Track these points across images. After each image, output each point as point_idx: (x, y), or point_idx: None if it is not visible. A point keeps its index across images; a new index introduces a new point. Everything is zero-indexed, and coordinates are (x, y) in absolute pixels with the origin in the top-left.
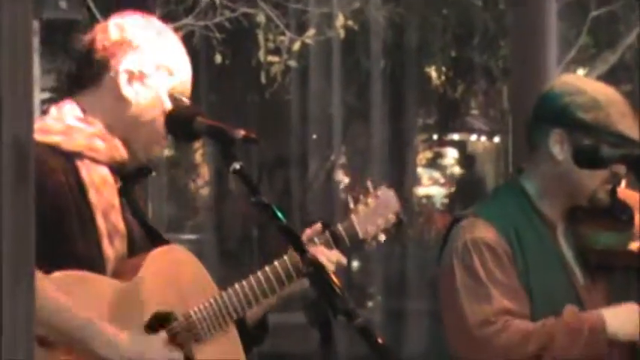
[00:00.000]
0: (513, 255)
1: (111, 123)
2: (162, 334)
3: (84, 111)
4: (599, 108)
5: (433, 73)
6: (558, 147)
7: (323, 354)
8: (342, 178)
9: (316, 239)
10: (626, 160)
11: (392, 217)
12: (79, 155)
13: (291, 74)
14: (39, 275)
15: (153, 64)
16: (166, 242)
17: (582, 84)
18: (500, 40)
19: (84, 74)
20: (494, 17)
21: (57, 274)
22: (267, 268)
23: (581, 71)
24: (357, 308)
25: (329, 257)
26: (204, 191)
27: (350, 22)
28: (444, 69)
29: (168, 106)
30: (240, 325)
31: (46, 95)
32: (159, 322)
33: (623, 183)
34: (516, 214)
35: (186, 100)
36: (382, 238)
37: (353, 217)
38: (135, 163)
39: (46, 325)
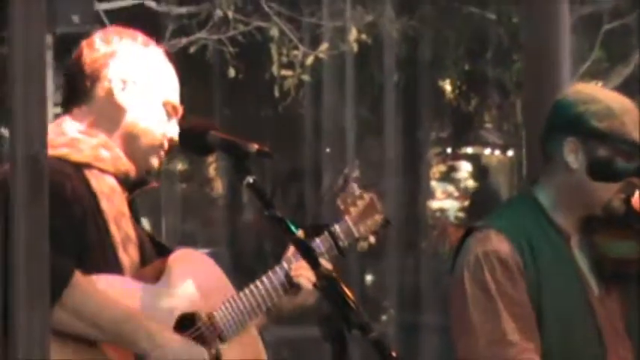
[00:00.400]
0: (525, 266)
1: (109, 134)
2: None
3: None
4: (614, 116)
5: (447, 87)
6: (573, 156)
7: None
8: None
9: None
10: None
11: (378, 218)
12: (87, 166)
13: (304, 88)
14: (79, 275)
15: (144, 73)
16: (170, 251)
17: (596, 93)
18: (514, 54)
19: (77, 89)
20: (508, 31)
21: (89, 276)
22: (277, 267)
23: (594, 84)
24: (371, 322)
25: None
26: (218, 205)
27: (363, 36)
28: (457, 83)
29: (163, 116)
30: None
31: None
32: (185, 322)
33: (638, 192)
34: (530, 225)
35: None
36: (372, 240)
37: (347, 218)
38: (135, 176)
39: (95, 325)
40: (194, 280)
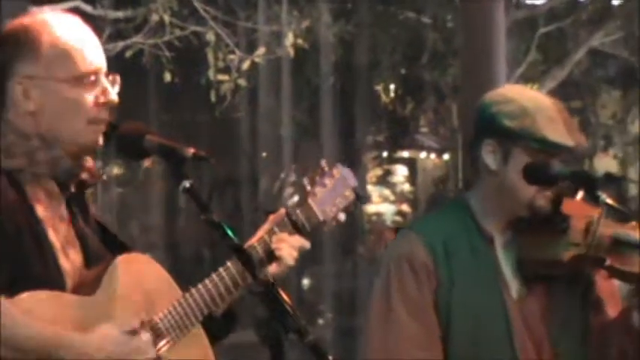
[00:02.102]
0: (436, 268)
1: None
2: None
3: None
4: (525, 115)
5: (383, 91)
6: (491, 157)
7: None
8: (293, 196)
9: (276, 228)
10: (575, 177)
11: (350, 195)
12: (20, 171)
13: (241, 93)
14: (4, 301)
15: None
16: (128, 249)
17: (513, 93)
18: (450, 58)
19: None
20: (444, 35)
21: (21, 295)
22: (221, 269)
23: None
24: (308, 326)
25: (292, 244)
26: (155, 210)
27: (300, 41)
28: (393, 87)
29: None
30: (207, 317)
31: None
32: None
33: (580, 194)
34: (451, 229)
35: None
36: (342, 217)
37: (310, 200)
38: (78, 168)
39: (14, 348)
40: (136, 286)
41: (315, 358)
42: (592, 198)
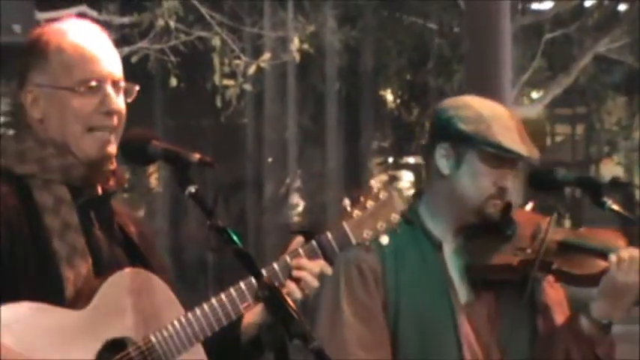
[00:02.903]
0: (385, 274)
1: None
2: None
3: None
4: (481, 121)
5: (388, 97)
6: (444, 161)
7: None
8: (298, 202)
9: (301, 250)
10: (580, 183)
11: (395, 218)
12: (32, 176)
13: (246, 98)
14: None
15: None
16: (146, 264)
17: (471, 101)
18: (455, 64)
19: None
20: (450, 41)
21: (10, 306)
22: (231, 289)
23: (535, 94)
24: (313, 332)
25: (312, 270)
26: (159, 215)
27: (305, 46)
28: (399, 92)
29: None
30: (234, 341)
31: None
32: (113, 349)
33: (530, 205)
34: (402, 235)
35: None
36: (385, 240)
37: (345, 223)
38: (96, 174)
39: None
40: (134, 302)
41: None
42: (597, 204)
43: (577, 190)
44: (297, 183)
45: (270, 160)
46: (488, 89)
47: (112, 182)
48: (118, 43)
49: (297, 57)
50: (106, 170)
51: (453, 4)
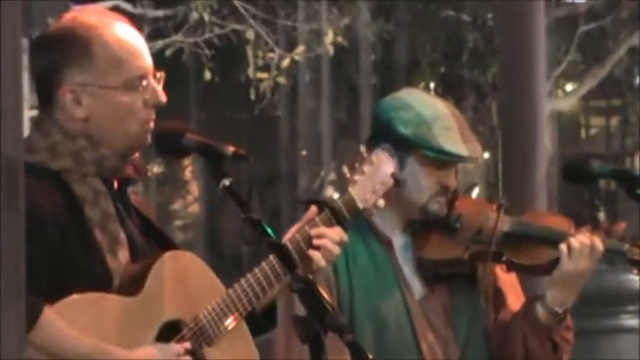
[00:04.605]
0: (337, 277)
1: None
2: (172, 345)
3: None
4: (422, 123)
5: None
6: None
7: None
8: (332, 194)
9: (317, 219)
10: (615, 175)
11: (389, 180)
12: (68, 171)
13: (280, 91)
14: (46, 314)
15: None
16: (173, 245)
17: (411, 99)
18: (489, 57)
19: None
20: (484, 34)
21: (63, 301)
22: (264, 263)
23: (569, 86)
24: (348, 324)
25: (332, 238)
26: (194, 208)
27: (339, 39)
28: (433, 85)
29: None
30: (248, 314)
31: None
32: (169, 331)
33: (475, 192)
34: (351, 236)
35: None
36: (381, 203)
37: (350, 189)
38: (125, 165)
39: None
40: (180, 284)
41: (354, 356)
42: (632, 196)
43: (612, 183)
44: (332, 176)
45: (304, 152)
46: (522, 82)
47: (129, 170)
48: (152, 36)
49: (331, 50)
50: (131, 160)
51: None
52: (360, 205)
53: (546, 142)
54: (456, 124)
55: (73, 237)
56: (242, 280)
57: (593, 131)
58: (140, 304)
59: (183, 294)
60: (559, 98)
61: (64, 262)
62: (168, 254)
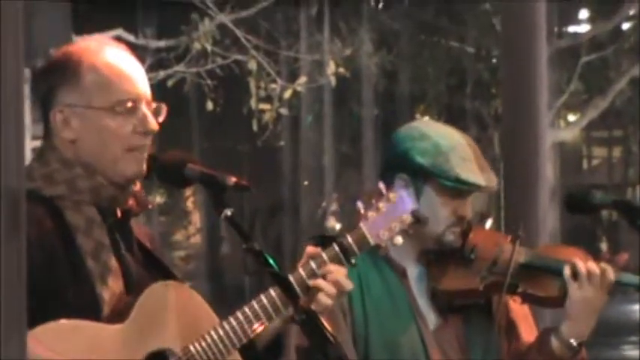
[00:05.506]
0: (351, 304)
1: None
2: None
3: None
4: (439, 153)
5: (422, 119)
6: (408, 191)
7: None
8: (334, 225)
9: (324, 255)
10: (616, 206)
11: (407, 218)
12: (62, 198)
13: (282, 122)
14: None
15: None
16: (174, 277)
17: (428, 129)
18: (493, 88)
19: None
20: (487, 65)
21: (45, 325)
22: (262, 296)
23: (572, 117)
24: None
25: (341, 271)
26: (196, 239)
27: (341, 70)
28: (436, 116)
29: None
30: (249, 348)
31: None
32: None
33: (489, 223)
34: (364, 264)
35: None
36: (399, 240)
37: (362, 225)
38: (123, 195)
39: None
40: (170, 314)
41: None
42: (634, 226)
43: (614, 214)
44: (334, 207)
45: (306, 183)
46: (525, 112)
47: (131, 202)
48: (154, 66)
49: (333, 80)
50: (131, 191)
51: (490, 28)
52: (372, 242)
53: (548, 172)
54: (472, 154)
55: (61, 264)
56: (238, 313)
57: (595, 162)
58: (125, 331)
59: (172, 324)
60: (561, 129)
61: (50, 288)
62: (157, 284)
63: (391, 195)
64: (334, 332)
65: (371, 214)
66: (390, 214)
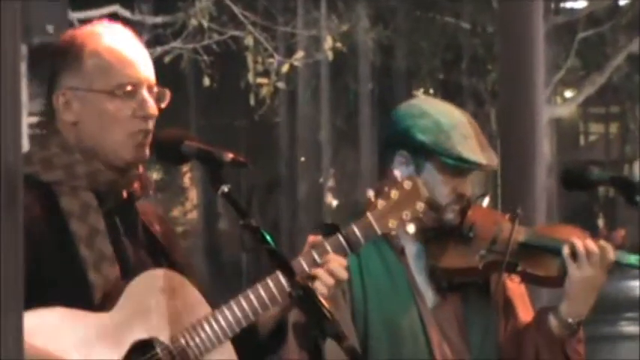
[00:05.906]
0: (351, 285)
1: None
2: None
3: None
4: (440, 131)
5: (421, 96)
6: (403, 168)
7: None
8: (331, 201)
9: (327, 244)
10: (614, 182)
11: (420, 206)
12: (59, 183)
13: (279, 96)
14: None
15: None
16: (178, 264)
17: (428, 106)
18: (489, 64)
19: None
20: (483, 41)
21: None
22: (258, 285)
23: (568, 93)
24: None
25: (340, 261)
26: (193, 215)
27: (338, 45)
28: (432, 92)
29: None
30: (252, 335)
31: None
32: (140, 350)
33: (486, 201)
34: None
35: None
36: (412, 229)
37: (369, 214)
38: (123, 180)
39: None
40: (156, 303)
41: None
42: (631, 203)
43: (611, 190)
44: (331, 182)
45: (303, 159)
46: (521, 88)
47: (136, 185)
48: (151, 43)
49: (330, 56)
50: (134, 174)
51: (486, 4)
52: (379, 231)
53: (545, 148)
54: (473, 132)
55: (53, 252)
56: (232, 302)
57: (592, 138)
58: (112, 319)
59: (161, 312)
60: (558, 105)
61: (40, 275)
62: (150, 271)
63: (405, 183)
64: (333, 310)
65: (381, 202)
66: (401, 202)
